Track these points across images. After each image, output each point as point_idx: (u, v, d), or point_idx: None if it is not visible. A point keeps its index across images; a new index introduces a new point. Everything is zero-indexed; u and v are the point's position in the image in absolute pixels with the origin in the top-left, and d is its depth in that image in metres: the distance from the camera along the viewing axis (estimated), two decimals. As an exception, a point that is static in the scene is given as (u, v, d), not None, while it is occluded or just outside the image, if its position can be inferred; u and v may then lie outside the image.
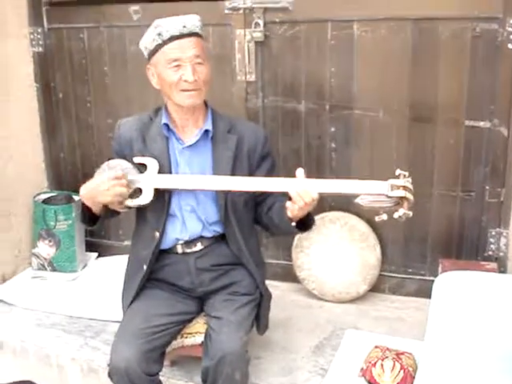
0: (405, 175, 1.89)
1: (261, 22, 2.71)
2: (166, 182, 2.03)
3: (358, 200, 1.89)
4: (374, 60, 2.64)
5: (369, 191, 1.87)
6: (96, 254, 3.35)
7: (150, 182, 2.02)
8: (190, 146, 2.09)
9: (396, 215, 1.85)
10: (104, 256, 3.34)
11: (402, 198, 1.86)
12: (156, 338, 2.01)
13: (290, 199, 1.89)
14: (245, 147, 2.12)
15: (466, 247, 2.75)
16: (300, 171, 1.90)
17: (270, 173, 2.15)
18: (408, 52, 2.58)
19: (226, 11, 2.76)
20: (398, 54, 2.60)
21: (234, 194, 2.08)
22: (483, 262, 2.64)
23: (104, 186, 1.95)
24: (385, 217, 1.87)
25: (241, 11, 2.74)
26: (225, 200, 2.09)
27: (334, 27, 2.65)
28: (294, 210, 1.88)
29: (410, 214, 1.86)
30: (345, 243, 2.80)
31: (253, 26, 2.72)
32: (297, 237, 2.84)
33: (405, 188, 1.86)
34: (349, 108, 2.73)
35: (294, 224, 1.97)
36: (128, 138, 2.13)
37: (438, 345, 1.76)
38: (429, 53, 2.56)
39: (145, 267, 2.12)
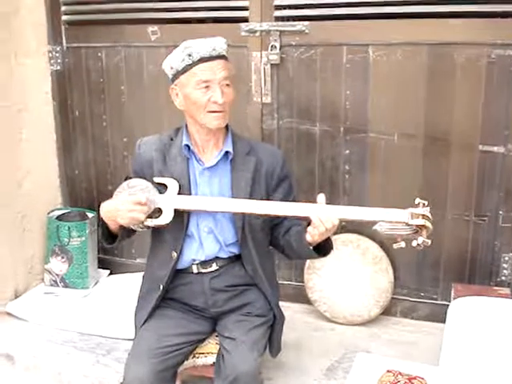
0: (424, 204, 1.90)
1: (277, 45, 2.74)
2: (186, 202, 2.03)
3: (376, 227, 1.90)
4: (389, 84, 2.66)
5: (389, 219, 1.89)
6: (108, 272, 3.36)
7: (170, 202, 2.03)
8: (210, 167, 2.10)
9: (415, 243, 1.86)
10: (116, 273, 3.35)
11: (420, 227, 1.87)
12: (169, 357, 2.01)
13: (309, 224, 1.90)
14: (263, 169, 2.13)
15: (479, 272, 2.74)
16: (321, 197, 1.90)
17: (288, 195, 2.17)
18: (423, 77, 2.60)
19: (243, 33, 2.79)
20: (413, 78, 2.62)
21: (252, 216, 2.09)
22: (496, 287, 2.64)
23: (124, 208, 1.95)
24: (403, 244, 1.88)
25: (257, 34, 2.77)
26: (242, 222, 2.10)
27: (350, 51, 2.68)
28: (314, 235, 1.89)
29: (429, 242, 1.86)
30: (357, 266, 2.80)
31: (269, 48, 2.75)
32: (309, 258, 2.85)
33: (424, 217, 1.87)
34: (363, 131, 2.74)
35: (311, 248, 1.97)
36: (148, 158, 2.14)
37: (453, 370, 1.75)
38: (444, 78, 2.57)
39: (161, 287, 2.13)
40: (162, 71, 2.10)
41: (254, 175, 2.10)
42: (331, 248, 2.04)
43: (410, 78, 2.62)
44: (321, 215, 1.86)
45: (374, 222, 1.90)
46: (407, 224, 1.87)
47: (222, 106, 1.99)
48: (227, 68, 2.02)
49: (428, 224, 1.87)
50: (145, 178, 2.10)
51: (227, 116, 2.05)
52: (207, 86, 1.98)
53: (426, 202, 1.91)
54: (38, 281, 3.24)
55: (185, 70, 2.00)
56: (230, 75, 2.04)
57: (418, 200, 1.91)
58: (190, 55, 1.97)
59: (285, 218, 2.12)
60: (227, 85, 2.02)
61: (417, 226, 1.87)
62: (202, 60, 1.97)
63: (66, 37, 3.20)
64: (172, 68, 2.04)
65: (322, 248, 2.00)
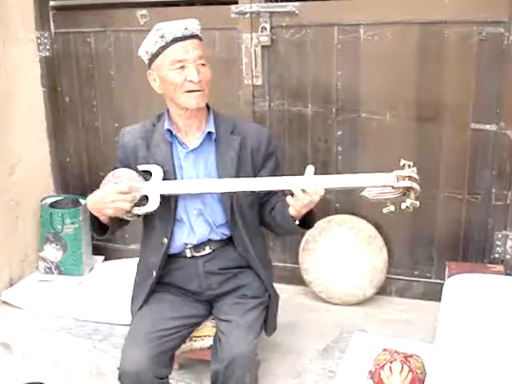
0: (409, 165, 1.88)
1: (267, 26, 2.72)
2: (171, 187, 2.03)
3: (364, 193, 1.87)
4: (380, 63, 2.65)
5: (375, 183, 1.85)
6: (102, 258, 3.36)
7: (156, 188, 2.02)
8: (194, 149, 2.09)
9: (403, 206, 1.83)
10: (110, 259, 3.36)
11: (408, 189, 1.84)
12: (165, 341, 2.02)
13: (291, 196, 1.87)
14: (248, 147, 2.12)
15: (473, 250, 2.75)
16: (310, 168, 1.88)
17: (275, 172, 2.16)
18: (414, 55, 2.59)
19: (233, 15, 2.77)
20: (404, 57, 2.61)
21: (240, 196, 2.09)
22: (490, 265, 2.66)
23: (108, 198, 1.95)
24: (392, 208, 1.85)
25: (247, 15, 2.75)
26: (231, 202, 2.10)
27: (341, 31, 2.67)
28: (296, 206, 1.87)
29: (417, 203, 1.83)
30: (352, 246, 2.81)
31: (259, 30, 2.73)
32: (304, 240, 2.86)
33: (410, 178, 1.84)
34: (355, 111, 2.74)
35: (297, 222, 1.96)
36: (132, 146, 2.14)
37: (449, 348, 1.76)
38: (435, 56, 2.57)
39: (154, 273, 2.13)
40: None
41: (239, 154, 2.09)
42: (315, 220, 2.02)
43: (401, 57, 2.61)
44: (305, 186, 1.83)
45: (362, 189, 1.87)
46: (394, 187, 1.85)
47: (198, 84, 1.97)
48: (201, 47, 2.01)
49: (415, 185, 1.84)
50: (130, 166, 2.09)
51: (206, 95, 2.03)
52: (182, 67, 1.97)
53: (412, 163, 1.88)
54: (33, 268, 3.24)
55: (159, 53, 1.99)
56: (205, 55, 2.02)
57: (403, 161, 1.88)
58: (162, 36, 1.96)
59: (272, 195, 2.12)
60: (203, 64, 2.00)
61: (404, 188, 1.84)
62: (175, 40, 1.96)
63: (54, 22, 3.18)
64: (147, 52, 2.03)
65: (307, 221, 1.98)
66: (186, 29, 1.97)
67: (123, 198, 1.95)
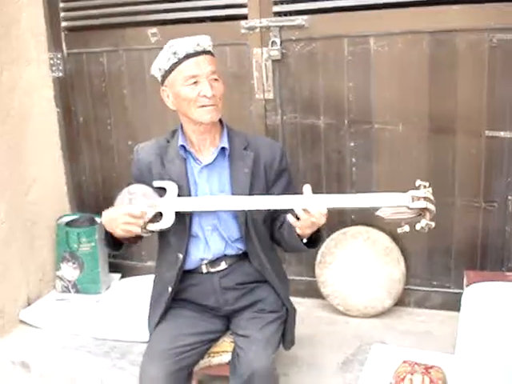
0: (425, 186, 1.88)
1: (277, 41, 2.73)
2: (186, 204, 2.03)
3: (378, 212, 1.87)
4: (391, 74, 2.65)
5: (390, 204, 1.86)
6: (119, 275, 3.37)
7: (171, 205, 2.03)
8: (208, 165, 2.10)
9: (418, 226, 1.84)
10: (127, 277, 3.36)
11: (423, 209, 1.84)
12: (183, 357, 2.01)
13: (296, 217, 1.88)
14: (262, 163, 2.13)
15: (490, 258, 2.73)
16: (307, 188, 1.88)
17: (287, 188, 2.16)
18: (425, 64, 2.59)
19: (243, 31, 2.79)
20: (416, 66, 2.61)
21: (253, 211, 2.08)
22: (508, 273, 2.62)
23: (119, 220, 1.95)
24: (407, 228, 1.85)
25: (257, 30, 2.76)
26: (245, 217, 2.10)
27: (351, 43, 2.67)
28: (301, 227, 1.88)
29: (433, 224, 1.84)
30: (368, 258, 2.80)
31: (270, 44, 2.74)
32: (320, 252, 2.84)
33: (426, 199, 1.84)
34: (368, 122, 2.73)
35: (305, 241, 1.97)
36: (147, 163, 2.15)
37: (470, 358, 1.74)
38: (446, 65, 2.56)
39: (170, 289, 2.13)
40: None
41: (252, 169, 2.09)
42: (319, 240, 2.03)
43: (412, 66, 2.61)
44: (307, 206, 1.84)
45: (377, 209, 1.88)
46: (409, 208, 1.84)
47: (211, 99, 1.98)
48: (214, 63, 2.03)
49: (430, 206, 1.84)
50: (144, 183, 2.10)
51: (219, 110, 2.04)
52: (195, 82, 1.98)
53: (428, 184, 1.88)
54: (50, 288, 3.26)
55: (172, 69, 2.00)
56: (218, 70, 2.03)
57: (418, 182, 1.88)
58: (175, 53, 1.98)
59: (282, 210, 2.11)
60: (215, 79, 2.02)
61: (419, 208, 1.84)
62: (188, 56, 1.98)
63: (67, 43, 3.21)
64: (160, 69, 2.04)
65: (313, 240, 1.99)
66: (198, 45, 1.99)
67: (134, 221, 1.95)
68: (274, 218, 2.17)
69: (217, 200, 2.03)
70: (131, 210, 1.96)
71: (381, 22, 2.60)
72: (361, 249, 2.80)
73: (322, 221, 1.86)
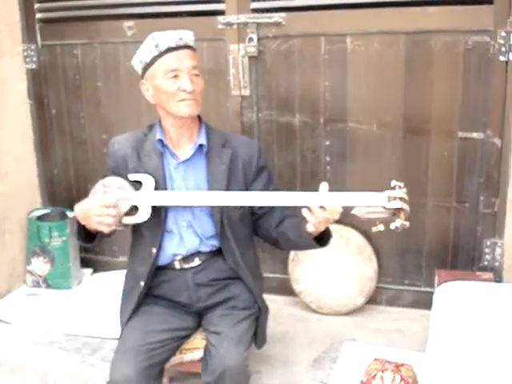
0: (400, 186, 1.90)
1: (254, 37, 2.73)
2: (162, 198, 2.01)
3: (354, 211, 1.88)
4: (367, 73, 2.67)
5: (366, 203, 1.87)
6: (91, 270, 3.34)
7: (147, 199, 2.01)
8: (185, 161, 2.09)
9: (393, 226, 1.85)
10: (99, 272, 3.33)
11: (398, 209, 1.86)
12: (155, 354, 2.00)
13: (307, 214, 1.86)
14: (239, 161, 2.12)
15: (462, 258, 2.76)
16: (324, 185, 1.87)
17: (267, 186, 2.16)
18: (401, 65, 2.61)
19: (220, 26, 2.78)
20: (391, 67, 2.62)
21: (230, 209, 2.08)
22: (479, 272, 2.66)
23: (92, 211, 1.93)
24: (381, 227, 1.87)
25: (234, 26, 2.76)
26: (220, 214, 2.09)
27: (328, 41, 2.68)
28: (315, 224, 1.87)
29: (407, 224, 1.86)
30: (341, 255, 2.81)
31: (247, 40, 2.74)
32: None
33: (401, 199, 1.86)
34: (343, 121, 2.75)
35: (312, 239, 1.96)
36: (122, 155, 2.13)
37: (440, 356, 1.76)
38: (422, 65, 2.58)
39: (142, 284, 2.11)
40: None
41: (229, 168, 2.09)
42: (331, 236, 2.02)
43: (388, 66, 2.63)
44: (327, 204, 1.83)
45: (353, 207, 1.89)
46: (385, 207, 1.86)
47: (191, 94, 1.98)
48: (195, 58, 2.02)
49: (405, 206, 1.86)
50: (120, 175, 2.08)
51: (199, 105, 2.03)
52: (176, 76, 1.98)
53: (403, 184, 1.89)
54: (21, 283, 3.21)
55: (152, 62, 1.99)
56: (199, 65, 2.03)
57: (394, 182, 1.89)
58: (156, 46, 1.97)
59: (269, 208, 2.11)
60: (196, 75, 2.01)
61: (394, 208, 1.86)
62: (169, 50, 1.97)
63: (41, 35, 3.17)
64: (141, 62, 2.03)
65: (322, 237, 1.99)
66: (180, 39, 1.98)
67: (108, 212, 1.93)
68: (259, 216, 2.16)
69: (195, 195, 2.02)
70: (105, 201, 1.94)
71: (358, 21, 2.61)
72: (334, 246, 2.81)
73: (336, 216, 1.85)
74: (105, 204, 1.93)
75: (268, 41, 2.75)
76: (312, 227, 1.89)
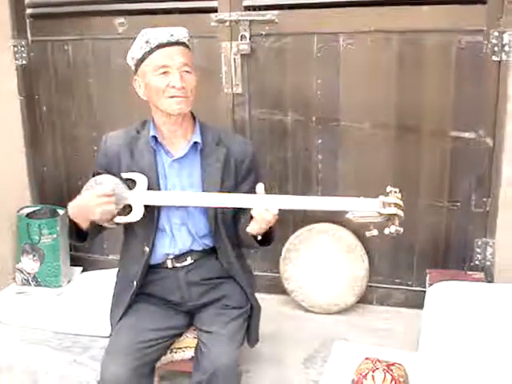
0: (395, 192, 1.90)
1: (247, 35, 2.72)
2: (155, 198, 2.00)
3: (348, 215, 1.89)
4: (359, 72, 2.66)
5: (360, 208, 1.88)
6: (81, 269, 3.31)
7: (140, 198, 2.00)
8: (179, 158, 2.08)
9: (387, 231, 1.86)
10: (89, 270, 3.31)
11: (392, 215, 1.87)
12: (146, 353, 1.99)
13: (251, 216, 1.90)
14: (232, 160, 2.11)
15: (453, 257, 2.77)
16: (260, 186, 1.90)
17: (254, 187, 2.15)
18: (394, 64, 2.61)
19: (213, 24, 2.76)
20: (384, 66, 2.62)
21: (224, 208, 2.08)
22: (470, 272, 2.67)
23: (92, 202, 1.92)
24: (375, 232, 1.88)
25: (227, 24, 2.74)
26: (215, 213, 2.08)
27: (320, 40, 2.68)
28: (254, 225, 1.90)
29: (401, 230, 1.86)
30: (332, 254, 2.81)
31: (239, 38, 2.73)
32: (284, 248, 2.85)
33: (396, 205, 1.87)
34: (335, 120, 2.74)
35: (259, 238, 1.98)
36: (115, 152, 2.11)
37: (431, 355, 1.76)
38: (414, 65, 2.58)
39: (135, 283, 2.10)
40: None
41: (224, 165, 2.09)
42: (272, 238, 2.03)
43: (381, 65, 2.63)
44: (259, 206, 1.87)
45: (347, 211, 1.89)
46: (379, 213, 1.87)
47: (181, 90, 1.96)
48: (187, 55, 2.01)
49: (399, 212, 1.87)
50: (112, 173, 2.06)
51: (190, 102, 2.02)
52: (165, 72, 1.97)
53: (398, 190, 1.90)
54: (10, 280, 3.18)
55: (144, 58, 1.99)
56: (191, 63, 2.01)
57: (389, 188, 1.91)
58: (147, 42, 1.96)
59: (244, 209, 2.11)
60: (187, 71, 1.99)
61: (389, 214, 1.86)
62: (160, 46, 1.96)
63: (31, 30, 3.14)
64: (133, 58, 2.03)
65: (267, 238, 2.00)
66: (171, 35, 1.97)
67: (108, 200, 1.93)
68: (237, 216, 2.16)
69: (187, 196, 2.01)
70: (105, 190, 1.94)
71: (351, 19, 2.61)
72: (325, 246, 2.81)
73: (272, 220, 1.87)
74: (104, 193, 1.93)
75: (260, 39, 2.74)
76: (249, 229, 1.92)
